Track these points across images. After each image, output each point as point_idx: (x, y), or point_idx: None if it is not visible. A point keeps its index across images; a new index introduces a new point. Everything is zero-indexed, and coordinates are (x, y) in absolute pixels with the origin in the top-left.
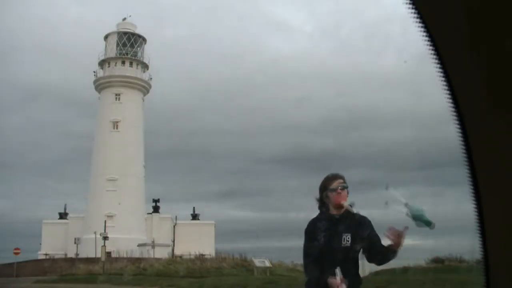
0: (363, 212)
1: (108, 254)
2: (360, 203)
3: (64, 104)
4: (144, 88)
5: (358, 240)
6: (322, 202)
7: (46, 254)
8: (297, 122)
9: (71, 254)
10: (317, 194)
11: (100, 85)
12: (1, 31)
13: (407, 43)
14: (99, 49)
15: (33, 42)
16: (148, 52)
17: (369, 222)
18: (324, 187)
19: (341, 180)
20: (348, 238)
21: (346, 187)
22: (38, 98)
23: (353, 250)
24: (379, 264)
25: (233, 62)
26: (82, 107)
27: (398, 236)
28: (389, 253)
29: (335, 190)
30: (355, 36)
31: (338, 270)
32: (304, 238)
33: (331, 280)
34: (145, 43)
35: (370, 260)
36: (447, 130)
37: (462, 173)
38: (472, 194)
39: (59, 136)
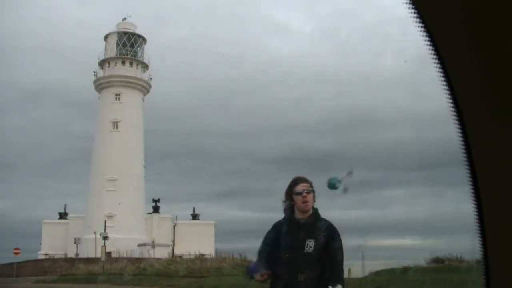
0: (363, 212)
1: (108, 254)
2: (360, 203)
3: (64, 104)
4: (144, 88)
5: (321, 248)
6: (288, 205)
7: (46, 254)
8: (297, 122)
9: (71, 254)
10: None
11: (100, 85)
12: (1, 32)
13: (406, 44)
14: (99, 50)
15: (33, 43)
16: (148, 53)
17: (334, 232)
18: (290, 190)
19: (307, 184)
20: (312, 244)
21: (312, 191)
22: (39, 98)
23: (316, 256)
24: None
25: (233, 62)
26: (83, 107)
27: None
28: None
29: (300, 193)
30: (354, 37)
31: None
32: (263, 238)
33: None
34: (145, 43)
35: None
36: (447, 131)
37: (462, 173)
38: (472, 194)
39: (60, 136)
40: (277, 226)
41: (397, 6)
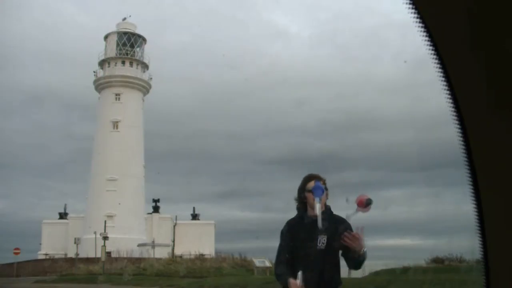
0: (363, 212)
1: (108, 254)
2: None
3: (66, 106)
4: (144, 88)
5: (335, 242)
6: (301, 203)
7: (46, 254)
8: (296, 124)
9: (71, 254)
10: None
11: (100, 85)
12: (2, 35)
13: (404, 48)
14: (100, 52)
15: (35, 46)
16: (149, 55)
17: (348, 227)
18: (303, 188)
19: (319, 181)
20: (324, 240)
21: (325, 189)
22: (41, 100)
23: (329, 253)
24: (355, 268)
25: (233, 65)
26: (84, 109)
27: (354, 239)
28: (359, 257)
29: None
30: (353, 41)
31: (300, 274)
32: (280, 239)
33: (291, 280)
34: (145, 43)
35: (347, 265)
36: (447, 131)
37: (462, 174)
38: (472, 195)
39: (61, 138)
40: (290, 224)
41: (395, 9)
